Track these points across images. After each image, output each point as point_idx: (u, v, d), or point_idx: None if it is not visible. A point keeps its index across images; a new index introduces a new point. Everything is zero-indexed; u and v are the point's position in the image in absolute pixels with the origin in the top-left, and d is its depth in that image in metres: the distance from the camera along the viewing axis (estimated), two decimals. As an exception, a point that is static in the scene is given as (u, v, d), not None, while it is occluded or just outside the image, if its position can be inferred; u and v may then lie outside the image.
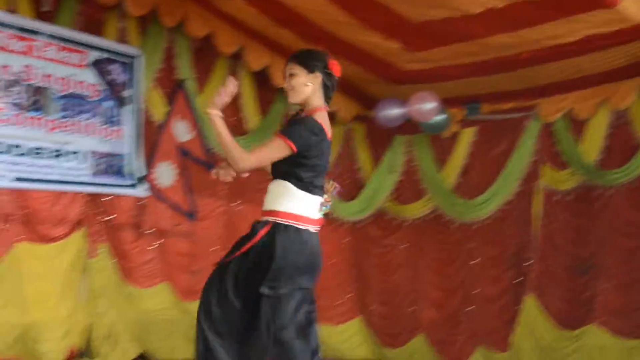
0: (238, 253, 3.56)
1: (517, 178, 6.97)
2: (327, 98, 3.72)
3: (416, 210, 7.74)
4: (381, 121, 7.32)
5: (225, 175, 3.85)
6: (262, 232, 3.55)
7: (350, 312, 7.91)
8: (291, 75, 3.64)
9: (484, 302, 7.24)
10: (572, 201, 6.64)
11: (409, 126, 7.41)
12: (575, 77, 6.38)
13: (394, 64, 6.82)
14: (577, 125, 6.69)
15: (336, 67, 3.70)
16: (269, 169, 3.66)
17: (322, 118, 3.63)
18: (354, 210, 7.88)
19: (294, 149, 3.49)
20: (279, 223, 3.54)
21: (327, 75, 3.66)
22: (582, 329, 6.43)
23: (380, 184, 7.85)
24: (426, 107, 6.96)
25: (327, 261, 7.66)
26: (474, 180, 7.40)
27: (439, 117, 7.18)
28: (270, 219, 3.59)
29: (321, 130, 3.58)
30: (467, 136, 7.45)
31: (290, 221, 3.54)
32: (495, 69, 6.52)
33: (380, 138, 7.94)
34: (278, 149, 3.51)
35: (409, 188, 7.85)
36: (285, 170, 3.58)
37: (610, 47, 5.80)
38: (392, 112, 7.21)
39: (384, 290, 7.89)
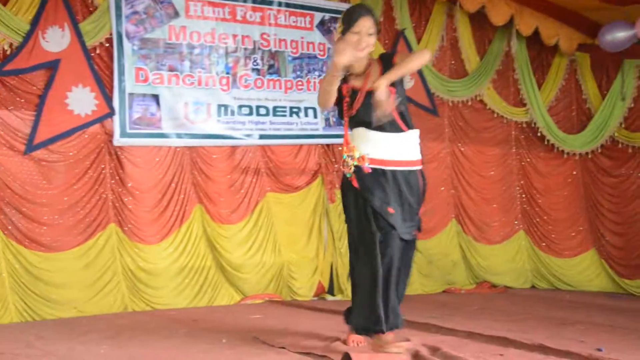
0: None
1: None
2: None
3: None
4: (608, 46, 7.06)
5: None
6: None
7: (583, 244, 7.75)
8: (370, 35, 3.81)
9: None
10: None
11: (639, 49, 7.11)
12: None
13: None
14: None
15: None
16: (386, 119, 3.76)
17: None
18: (584, 142, 7.67)
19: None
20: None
21: None
22: None
23: (611, 113, 7.57)
24: None
25: (557, 194, 7.67)
26: None
27: None
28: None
29: None
30: None
31: None
32: None
33: (608, 65, 7.66)
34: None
35: None
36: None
37: None
38: (619, 35, 6.91)
39: (619, 222, 7.61)
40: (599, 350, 4.04)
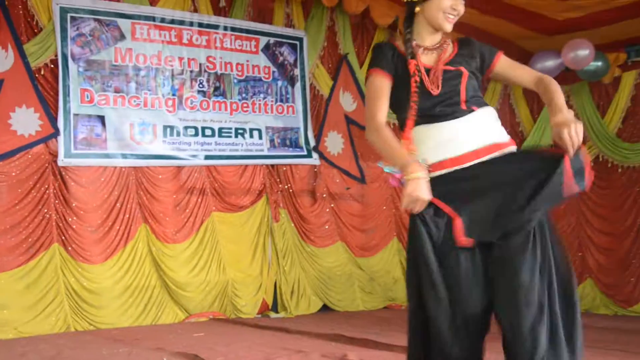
0: None
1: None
2: None
3: None
4: None
5: None
6: None
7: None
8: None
9: (654, 245, 6.98)
10: None
11: (567, 75, 7.24)
12: None
13: (548, 15, 6.63)
14: None
15: None
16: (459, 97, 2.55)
17: None
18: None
19: None
20: None
21: None
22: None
23: (542, 135, 7.70)
24: (582, 54, 6.74)
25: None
26: (638, 124, 7.14)
27: (596, 63, 6.94)
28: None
29: None
30: (629, 80, 7.19)
31: None
32: None
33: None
34: None
35: None
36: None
37: None
38: (548, 63, 7.04)
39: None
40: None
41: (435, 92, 2.54)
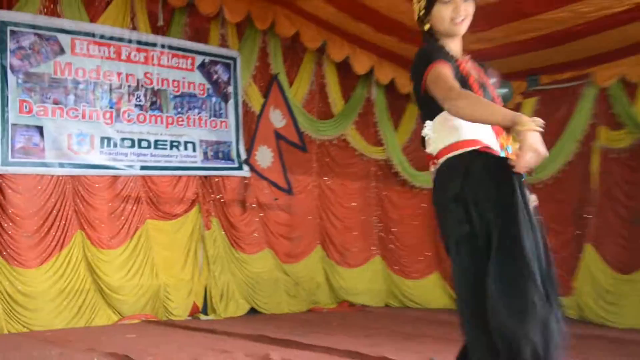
0: None
1: (576, 140, 6.83)
2: None
3: None
4: None
5: None
6: None
7: (429, 267, 7.89)
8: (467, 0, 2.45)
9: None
10: (627, 158, 6.45)
11: None
12: (626, 44, 6.14)
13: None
14: (631, 89, 6.51)
15: None
16: None
17: None
18: (431, 179, 7.84)
19: None
20: None
21: None
22: (636, 273, 6.27)
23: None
24: (490, 82, 6.87)
25: (408, 224, 7.81)
26: None
27: (502, 90, 7.11)
28: None
29: None
30: (529, 106, 7.32)
31: None
32: (550, 43, 6.34)
33: None
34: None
35: None
36: None
37: None
38: None
39: None
40: (432, 359, 4.15)
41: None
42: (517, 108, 7.35)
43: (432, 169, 2.44)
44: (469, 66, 2.47)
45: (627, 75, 6.45)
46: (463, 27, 2.44)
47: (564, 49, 6.43)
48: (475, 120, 2.18)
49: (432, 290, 7.81)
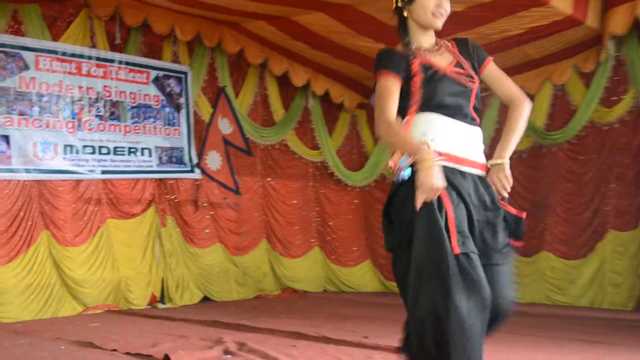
0: None
1: (485, 144, 6.96)
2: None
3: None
4: None
5: None
6: None
7: (362, 256, 8.03)
8: None
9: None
10: (527, 158, 6.62)
11: None
12: (523, 61, 6.38)
13: None
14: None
15: None
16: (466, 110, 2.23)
17: None
18: (362, 178, 7.99)
19: None
20: None
21: None
22: (536, 255, 6.47)
23: (381, 156, 7.90)
24: None
25: (343, 218, 7.91)
26: None
27: None
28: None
29: None
30: None
31: None
32: None
33: None
34: None
35: None
36: None
37: (548, 36, 5.80)
38: None
39: None
40: (366, 337, 4.23)
41: (433, 92, 2.20)
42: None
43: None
44: (433, 58, 2.24)
45: (524, 87, 6.63)
46: (441, 22, 2.25)
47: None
48: (391, 147, 2.15)
49: (364, 276, 7.94)
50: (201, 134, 7.04)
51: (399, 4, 2.27)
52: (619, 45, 5.88)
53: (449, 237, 1.98)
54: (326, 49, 6.71)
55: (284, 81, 7.47)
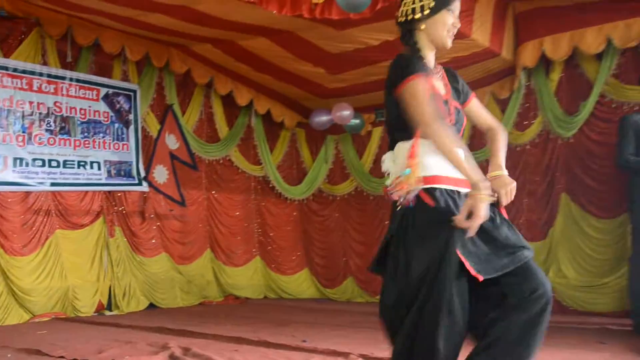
0: None
1: None
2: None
3: (344, 188, 7.88)
4: (316, 126, 7.49)
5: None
6: None
7: (300, 265, 8.08)
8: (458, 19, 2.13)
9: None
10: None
11: (336, 128, 7.58)
12: None
13: (321, 84, 6.97)
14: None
15: None
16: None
17: None
18: (301, 192, 8.04)
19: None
20: None
21: None
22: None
23: (318, 172, 7.99)
24: (345, 113, 7.12)
25: (283, 229, 7.97)
26: None
27: (355, 121, 7.40)
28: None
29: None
30: (377, 133, 7.60)
31: None
32: None
33: (316, 138, 8.09)
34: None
35: (338, 173, 7.95)
36: None
37: (469, 65, 5.99)
38: (322, 118, 7.36)
39: (323, 248, 7.99)
40: (304, 341, 4.30)
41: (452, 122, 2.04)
42: (368, 135, 7.71)
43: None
44: (435, 82, 2.07)
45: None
46: (451, 42, 2.10)
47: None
48: (445, 157, 1.88)
49: (302, 284, 7.99)
50: (149, 148, 6.96)
51: (416, 17, 2.05)
52: (529, 75, 6.20)
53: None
54: (268, 71, 6.78)
55: (228, 100, 7.48)
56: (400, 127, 2.01)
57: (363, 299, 7.50)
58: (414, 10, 2.05)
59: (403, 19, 2.09)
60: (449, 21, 2.06)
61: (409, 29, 2.09)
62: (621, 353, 3.88)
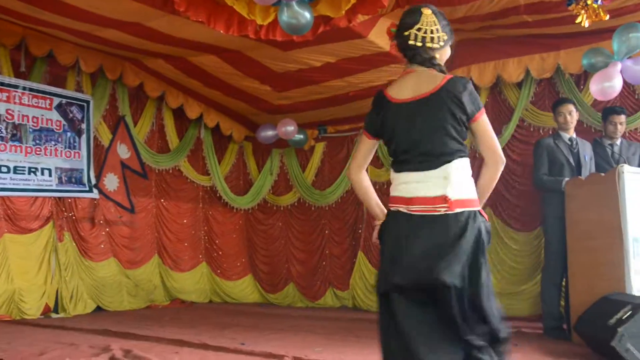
0: None
1: None
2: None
3: (287, 199, 7.86)
4: (262, 139, 7.46)
5: None
6: None
7: (244, 271, 8.03)
8: None
9: (333, 258, 7.41)
10: (384, 186, 6.75)
11: (281, 142, 7.57)
12: None
13: (268, 100, 6.96)
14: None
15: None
16: None
17: (397, 82, 2.24)
18: (247, 201, 8.00)
19: (368, 136, 2.26)
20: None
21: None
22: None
23: (264, 183, 7.97)
24: (289, 129, 7.13)
25: (229, 237, 7.91)
26: (325, 178, 7.60)
27: (299, 136, 7.43)
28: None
29: (375, 100, 2.27)
30: (320, 148, 7.64)
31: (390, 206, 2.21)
32: (334, 103, 6.71)
33: (263, 151, 8.06)
34: (360, 142, 2.29)
35: (282, 184, 7.93)
36: None
37: None
38: (268, 133, 7.34)
39: (266, 255, 7.95)
40: (242, 344, 4.26)
41: None
42: (311, 150, 7.76)
43: (442, 210, 2.04)
44: None
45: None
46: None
47: (343, 107, 6.86)
48: (490, 186, 2.23)
49: (246, 289, 7.93)
50: (100, 157, 6.80)
51: (434, 45, 2.15)
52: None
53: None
54: (218, 87, 6.75)
55: (179, 113, 7.40)
56: (452, 149, 2.12)
57: (303, 303, 7.49)
58: (432, 39, 2.15)
59: (417, 43, 2.15)
60: (449, 55, 2.26)
61: (423, 52, 2.15)
62: (530, 354, 4.02)
